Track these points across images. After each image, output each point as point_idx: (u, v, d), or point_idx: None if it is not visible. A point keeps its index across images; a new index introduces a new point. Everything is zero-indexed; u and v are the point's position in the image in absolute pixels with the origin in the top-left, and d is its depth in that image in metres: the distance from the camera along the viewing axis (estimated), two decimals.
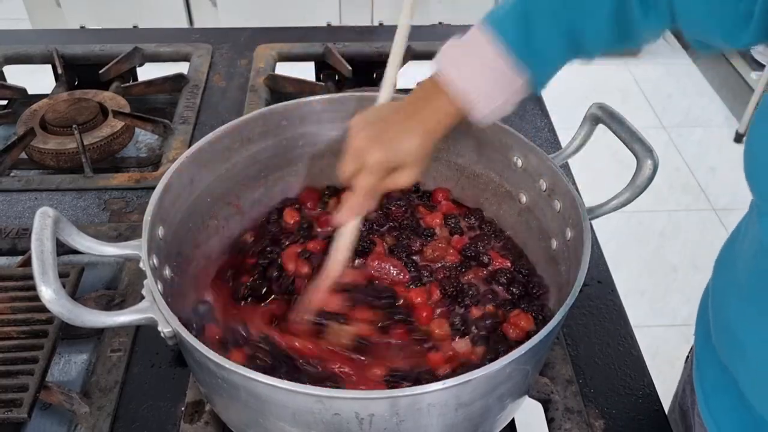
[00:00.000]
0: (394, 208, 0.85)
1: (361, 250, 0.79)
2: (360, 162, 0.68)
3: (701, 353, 0.71)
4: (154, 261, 0.66)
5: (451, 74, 0.66)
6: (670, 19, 0.62)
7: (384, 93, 0.74)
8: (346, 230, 0.74)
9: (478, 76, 0.65)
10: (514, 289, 0.76)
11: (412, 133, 0.67)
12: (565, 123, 1.24)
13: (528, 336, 0.67)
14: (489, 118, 0.68)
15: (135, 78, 1.33)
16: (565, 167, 0.93)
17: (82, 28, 2.56)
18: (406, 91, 1.21)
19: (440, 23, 1.77)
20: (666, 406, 0.75)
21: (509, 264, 0.80)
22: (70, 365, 0.79)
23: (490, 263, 0.80)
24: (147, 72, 1.31)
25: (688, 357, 0.83)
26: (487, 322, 0.73)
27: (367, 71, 1.29)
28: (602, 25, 0.63)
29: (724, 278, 0.66)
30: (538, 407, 0.73)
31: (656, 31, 0.65)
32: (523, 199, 0.81)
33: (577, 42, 0.64)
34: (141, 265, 0.64)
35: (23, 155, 1.09)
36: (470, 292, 0.76)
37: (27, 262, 0.85)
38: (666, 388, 0.84)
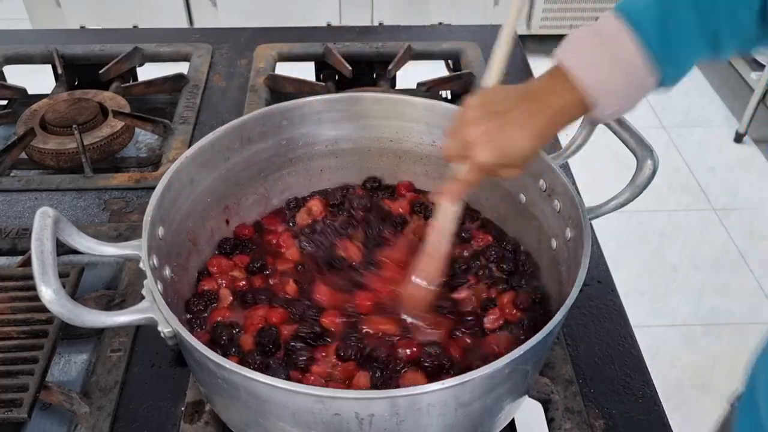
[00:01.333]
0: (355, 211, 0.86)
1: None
2: (466, 152, 0.64)
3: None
4: (154, 261, 0.66)
5: (580, 66, 0.61)
6: None
7: (493, 74, 0.70)
8: (446, 214, 0.72)
9: (611, 71, 0.61)
10: (504, 266, 0.80)
11: (528, 135, 0.63)
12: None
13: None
14: (612, 117, 0.64)
15: (135, 78, 1.33)
16: (565, 167, 0.93)
17: (82, 28, 2.56)
18: (401, 91, 1.22)
19: (440, 23, 1.76)
20: (666, 406, 0.74)
21: (491, 239, 0.83)
22: (70, 365, 0.79)
23: (471, 240, 0.84)
24: (147, 72, 1.31)
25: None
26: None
27: (367, 71, 1.29)
28: (749, 21, 0.59)
29: None
30: (538, 407, 0.73)
31: None
32: (523, 198, 0.81)
33: (718, 40, 0.60)
34: (141, 265, 0.64)
35: (23, 155, 1.09)
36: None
37: (27, 262, 0.85)
38: (666, 388, 0.84)
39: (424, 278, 0.73)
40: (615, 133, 0.72)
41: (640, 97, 0.63)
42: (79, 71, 1.29)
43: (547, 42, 2.80)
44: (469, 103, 0.66)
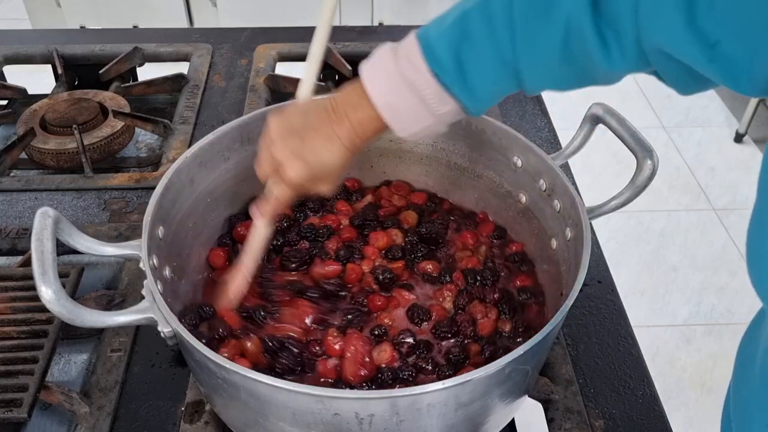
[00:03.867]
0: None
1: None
2: (277, 170, 0.66)
3: None
4: (154, 261, 0.66)
5: (376, 87, 0.61)
6: (636, 55, 0.53)
7: (304, 90, 0.70)
8: (258, 231, 0.73)
9: (403, 94, 0.59)
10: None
11: (334, 147, 0.63)
12: (565, 123, 1.24)
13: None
14: (416, 137, 0.63)
15: (135, 78, 1.33)
16: (565, 167, 0.93)
17: (82, 28, 2.55)
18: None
19: None
20: (666, 406, 0.74)
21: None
22: (70, 365, 0.79)
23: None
24: (147, 72, 1.31)
25: None
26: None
27: None
28: (551, 59, 0.55)
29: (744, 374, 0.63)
30: (538, 407, 0.73)
31: (619, 70, 0.56)
32: (523, 199, 0.81)
33: (519, 78, 0.57)
34: (141, 265, 0.64)
35: (23, 155, 1.09)
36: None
37: (27, 262, 0.85)
38: (666, 388, 0.84)
39: (230, 289, 0.74)
40: (615, 133, 0.72)
41: (445, 120, 0.62)
42: (79, 71, 1.29)
43: None
44: (272, 121, 0.66)
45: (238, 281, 0.74)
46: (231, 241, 0.83)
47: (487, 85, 0.59)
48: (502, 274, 0.80)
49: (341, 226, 0.84)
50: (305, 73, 0.70)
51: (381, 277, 0.77)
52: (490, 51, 0.56)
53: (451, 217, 0.87)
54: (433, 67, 0.58)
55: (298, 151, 0.64)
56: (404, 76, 0.59)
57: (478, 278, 0.77)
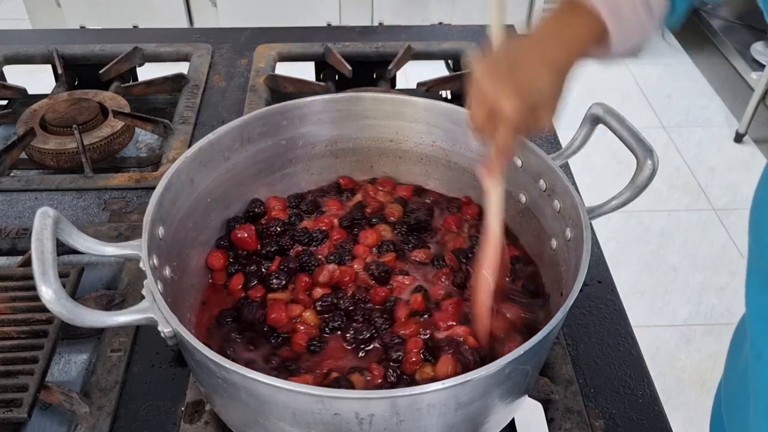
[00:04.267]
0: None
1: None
2: (491, 109, 0.61)
3: None
4: (154, 261, 0.66)
5: None
6: None
7: (496, 31, 0.66)
8: (494, 191, 0.69)
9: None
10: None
11: (545, 69, 0.60)
12: (565, 123, 1.24)
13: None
14: (626, 45, 0.62)
15: (135, 78, 1.33)
16: (565, 167, 0.93)
17: (82, 28, 2.56)
18: (401, 91, 1.22)
19: (440, 23, 1.76)
20: (666, 406, 0.74)
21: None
22: (70, 365, 0.79)
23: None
24: (147, 72, 1.31)
25: None
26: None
27: (367, 71, 1.29)
28: None
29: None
30: (538, 407, 0.73)
31: None
32: (523, 199, 0.81)
33: None
34: (141, 265, 0.64)
35: (23, 155, 1.09)
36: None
37: (27, 262, 0.85)
38: (666, 388, 0.84)
39: (488, 267, 0.70)
40: (615, 133, 0.72)
41: (650, 29, 0.61)
42: (79, 71, 1.29)
43: None
44: (476, 65, 0.63)
45: (492, 254, 0.70)
46: (229, 244, 0.82)
47: None
48: None
49: (332, 227, 0.85)
50: (493, 16, 0.66)
51: (376, 272, 0.77)
52: None
53: (435, 205, 0.88)
54: None
55: (507, 79, 0.60)
56: None
57: (469, 255, 0.79)
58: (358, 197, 0.89)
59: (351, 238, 0.83)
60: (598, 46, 0.62)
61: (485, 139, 0.65)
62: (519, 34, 0.64)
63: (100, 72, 1.23)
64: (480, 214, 0.86)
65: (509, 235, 0.84)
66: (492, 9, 0.67)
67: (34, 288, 0.56)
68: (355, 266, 0.79)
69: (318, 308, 0.75)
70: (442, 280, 0.78)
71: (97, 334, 0.81)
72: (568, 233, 0.72)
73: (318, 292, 0.77)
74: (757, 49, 2.69)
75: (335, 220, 0.85)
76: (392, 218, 0.85)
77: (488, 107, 0.61)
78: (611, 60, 0.63)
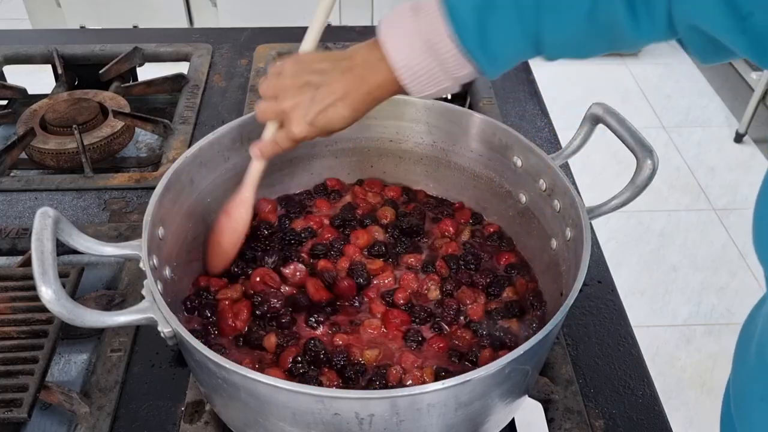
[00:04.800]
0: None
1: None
2: (281, 119, 0.67)
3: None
4: (154, 261, 0.66)
5: (395, 49, 0.60)
6: (667, 24, 0.55)
7: (308, 43, 0.70)
8: (255, 168, 0.76)
9: (423, 55, 0.59)
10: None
11: (346, 110, 0.64)
12: (565, 123, 1.24)
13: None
14: (429, 97, 0.64)
15: (135, 78, 1.33)
16: (565, 167, 0.93)
17: (82, 28, 2.56)
18: None
19: None
20: (666, 406, 0.74)
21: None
22: (70, 365, 0.79)
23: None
24: (147, 72, 1.31)
25: None
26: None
27: None
28: (576, 28, 0.56)
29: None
30: (538, 407, 0.73)
31: (646, 39, 0.57)
32: (523, 199, 0.81)
33: (540, 44, 0.58)
34: (141, 265, 0.64)
35: (23, 155, 1.09)
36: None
37: (27, 262, 0.85)
38: (666, 388, 0.84)
39: (231, 218, 0.77)
40: (615, 133, 0.72)
41: (460, 81, 0.62)
42: (79, 71, 1.29)
43: None
44: (286, 66, 0.66)
45: (240, 211, 0.76)
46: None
47: (508, 51, 0.59)
48: (484, 255, 0.81)
49: (323, 227, 0.85)
50: (313, 21, 0.70)
51: (359, 278, 0.77)
52: (513, 17, 0.57)
53: (427, 207, 0.88)
54: (456, 30, 0.58)
55: (308, 108, 0.64)
56: (425, 37, 0.59)
57: (461, 263, 0.79)
58: (347, 198, 0.89)
59: (342, 238, 0.83)
60: (399, 91, 0.64)
61: (263, 121, 0.71)
62: (333, 52, 0.68)
63: (100, 72, 1.23)
64: (473, 216, 0.87)
65: (507, 241, 0.84)
66: (320, 13, 0.70)
67: (34, 288, 0.56)
68: (342, 264, 0.79)
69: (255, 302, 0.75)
70: (425, 289, 0.77)
71: (97, 334, 0.81)
72: (568, 233, 0.72)
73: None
74: None
75: (326, 220, 0.85)
76: (385, 220, 0.85)
77: (280, 111, 0.66)
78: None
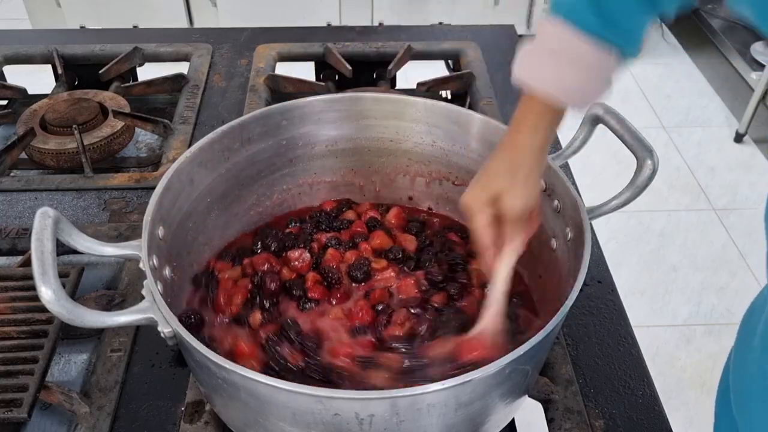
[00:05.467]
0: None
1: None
2: (494, 240, 0.68)
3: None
4: (154, 261, 0.66)
5: (538, 81, 0.62)
6: None
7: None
8: (499, 281, 0.70)
9: (572, 74, 0.61)
10: None
11: (523, 188, 0.66)
12: (566, 123, 1.24)
13: None
14: (590, 102, 0.66)
15: (135, 78, 1.33)
16: (565, 167, 0.93)
17: (82, 28, 2.56)
18: (401, 91, 1.22)
19: (440, 23, 1.76)
20: (666, 406, 0.74)
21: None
22: (70, 365, 0.79)
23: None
24: (147, 72, 1.31)
25: None
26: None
27: (367, 71, 1.29)
28: None
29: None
30: (538, 407, 0.73)
31: None
32: None
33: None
34: (141, 265, 0.64)
35: (23, 155, 1.09)
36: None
37: (27, 262, 0.85)
38: (666, 388, 0.84)
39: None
40: (615, 133, 0.72)
41: (612, 75, 0.63)
42: (79, 71, 1.29)
43: None
44: (466, 196, 0.69)
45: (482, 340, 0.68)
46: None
47: (633, 17, 0.61)
48: None
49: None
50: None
51: (359, 273, 0.78)
52: None
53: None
54: (582, 27, 0.60)
55: (508, 188, 0.66)
56: (561, 54, 0.61)
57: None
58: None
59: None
60: (562, 115, 0.65)
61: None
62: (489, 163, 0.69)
63: (100, 72, 1.23)
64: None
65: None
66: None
67: (34, 288, 0.56)
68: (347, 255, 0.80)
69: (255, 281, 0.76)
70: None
71: (97, 334, 0.81)
72: (568, 233, 0.72)
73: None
74: (757, 49, 2.69)
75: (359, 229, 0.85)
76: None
77: (493, 239, 0.68)
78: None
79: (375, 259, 0.80)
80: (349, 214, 0.88)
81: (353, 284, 0.78)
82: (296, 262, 0.79)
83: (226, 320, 0.74)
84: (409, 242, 0.83)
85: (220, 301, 0.75)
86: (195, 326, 0.72)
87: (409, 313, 0.73)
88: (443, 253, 0.81)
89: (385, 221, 0.87)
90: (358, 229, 0.85)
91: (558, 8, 0.61)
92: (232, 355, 0.69)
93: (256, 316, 0.73)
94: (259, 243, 0.82)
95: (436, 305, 0.75)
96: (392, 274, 0.78)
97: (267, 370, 0.67)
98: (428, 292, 0.77)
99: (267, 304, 0.74)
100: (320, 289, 0.76)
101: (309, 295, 0.76)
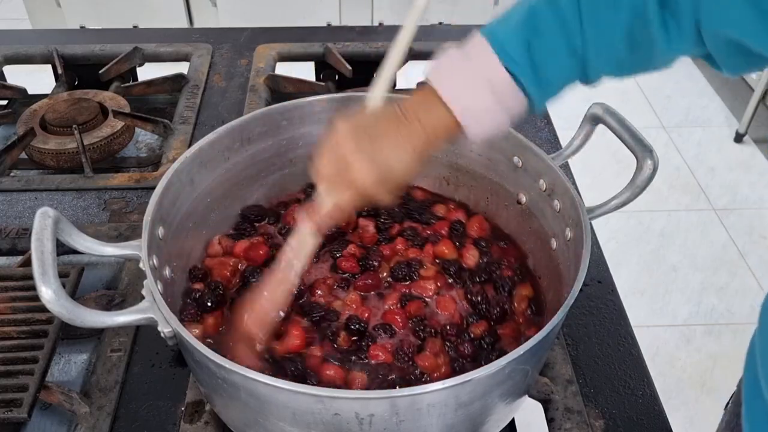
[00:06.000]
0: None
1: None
2: (343, 169, 0.63)
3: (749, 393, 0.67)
4: (154, 261, 0.66)
5: (449, 88, 0.61)
6: (695, 34, 0.57)
7: (377, 91, 0.69)
8: (305, 239, 0.69)
9: (479, 94, 0.61)
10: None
11: (404, 153, 0.62)
12: (565, 123, 1.24)
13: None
14: (484, 137, 0.63)
15: (135, 78, 1.33)
16: (565, 167, 0.93)
17: (82, 28, 2.56)
18: (401, 91, 1.22)
19: (440, 23, 1.76)
20: (666, 406, 0.74)
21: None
22: (70, 365, 0.79)
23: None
24: (147, 72, 1.31)
25: (728, 404, 0.81)
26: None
27: (367, 71, 1.29)
28: (617, 41, 0.58)
29: None
30: (538, 407, 0.73)
31: (676, 52, 0.59)
32: (523, 199, 0.81)
33: (585, 67, 0.61)
34: (141, 265, 0.64)
35: (23, 155, 1.09)
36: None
37: (27, 262, 0.85)
38: (666, 388, 0.84)
39: (268, 305, 0.69)
40: (615, 132, 0.72)
41: (512, 119, 0.63)
42: (79, 71, 1.29)
43: None
44: (340, 123, 0.64)
45: (279, 293, 0.70)
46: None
47: (558, 78, 0.62)
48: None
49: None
50: (381, 74, 0.69)
51: (400, 273, 0.78)
52: (561, 43, 0.59)
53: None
54: (508, 64, 0.59)
55: (368, 152, 0.62)
56: (480, 74, 0.60)
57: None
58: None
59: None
60: (456, 134, 0.63)
61: (323, 190, 0.66)
62: (385, 107, 0.66)
63: (100, 72, 1.23)
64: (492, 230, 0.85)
65: (506, 237, 0.84)
66: (389, 64, 0.69)
67: (34, 288, 0.56)
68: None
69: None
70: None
71: (97, 334, 0.81)
72: (568, 233, 0.72)
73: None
74: None
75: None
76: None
77: (341, 166, 0.63)
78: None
79: (427, 266, 0.79)
80: (440, 209, 0.87)
81: (390, 279, 0.78)
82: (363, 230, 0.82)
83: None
84: (471, 257, 0.81)
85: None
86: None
87: (443, 346, 0.71)
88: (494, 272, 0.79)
89: (468, 227, 0.85)
90: (442, 230, 0.83)
91: (491, 33, 0.61)
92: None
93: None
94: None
95: (473, 335, 0.72)
96: (433, 286, 0.76)
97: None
98: (468, 319, 0.74)
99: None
100: (352, 262, 0.78)
101: (338, 261, 0.79)
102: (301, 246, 0.70)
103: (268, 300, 0.69)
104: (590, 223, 0.69)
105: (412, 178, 0.65)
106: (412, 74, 1.42)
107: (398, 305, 0.75)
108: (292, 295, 0.71)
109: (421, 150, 0.63)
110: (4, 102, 1.26)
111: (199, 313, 0.73)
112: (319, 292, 0.76)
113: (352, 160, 0.62)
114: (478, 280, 0.77)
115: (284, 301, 0.70)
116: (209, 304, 0.73)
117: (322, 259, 0.80)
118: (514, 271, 0.79)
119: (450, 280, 0.78)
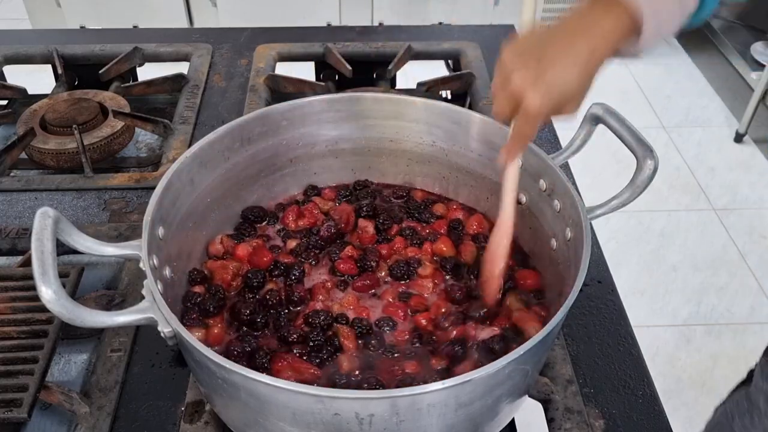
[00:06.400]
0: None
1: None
2: (516, 99, 0.62)
3: None
4: (154, 261, 0.66)
5: None
6: None
7: (527, 14, 0.68)
8: (510, 173, 0.72)
9: None
10: None
11: (575, 68, 0.60)
12: (565, 123, 1.24)
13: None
14: (653, 41, 0.61)
15: (135, 78, 1.33)
16: (565, 167, 0.93)
17: (82, 28, 2.56)
18: (401, 91, 1.22)
19: (440, 23, 1.76)
20: (666, 406, 0.74)
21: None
22: (70, 365, 0.79)
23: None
24: (147, 72, 1.31)
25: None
26: None
27: (367, 71, 1.29)
28: None
29: None
30: (538, 407, 0.73)
31: None
32: (523, 199, 0.81)
33: None
34: (141, 265, 0.64)
35: (23, 155, 1.09)
36: None
37: (27, 262, 0.85)
38: (666, 388, 0.84)
39: (499, 253, 0.73)
40: (615, 132, 0.72)
41: (679, 22, 0.62)
42: (79, 71, 1.29)
43: None
44: (506, 53, 0.63)
45: (503, 235, 0.73)
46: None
47: None
48: None
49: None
50: (528, 4, 0.68)
51: (398, 271, 0.79)
52: None
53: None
54: None
55: (539, 77, 0.60)
56: None
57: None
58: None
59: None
60: (626, 44, 0.62)
61: (505, 121, 0.67)
62: (550, 24, 0.64)
63: (100, 72, 1.23)
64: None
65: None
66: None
67: (34, 288, 0.56)
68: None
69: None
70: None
71: (97, 334, 0.81)
72: (568, 233, 0.72)
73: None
74: (757, 49, 2.69)
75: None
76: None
77: (513, 97, 0.62)
78: (630, 58, 0.63)
79: (426, 264, 0.80)
80: (439, 208, 0.88)
81: (389, 277, 0.79)
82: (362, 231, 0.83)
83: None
84: (470, 253, 0.82)
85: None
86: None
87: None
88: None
89: (467, 226, 0.86)
90: (441, 229, 0.85)
91: None
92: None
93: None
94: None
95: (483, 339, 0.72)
96: (431, 284, 0.78)
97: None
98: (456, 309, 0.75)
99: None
100: (350, 264, 0.79)
101: (336, 263, 0.79)
102: (507, 178, 0.72)
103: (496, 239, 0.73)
104: (590, 223, 0.69)
105: (589, 88, 0.63)
106: (412, 74, 1.42)
107: (397, 299, 0.76)
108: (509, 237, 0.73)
109: (593, 63, 0.61)
110: (4, 102, 1.26)
111: (201, 318, 0.73)
112: (320, 297, 0.76)
113: (523, 90, 0.61)
114: (475, 275, 0.78)
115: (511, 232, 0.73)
116: (211, 309, 0.73)
117: (321, 262, 0.81)
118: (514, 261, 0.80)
119: (447, 277, 0.79)
